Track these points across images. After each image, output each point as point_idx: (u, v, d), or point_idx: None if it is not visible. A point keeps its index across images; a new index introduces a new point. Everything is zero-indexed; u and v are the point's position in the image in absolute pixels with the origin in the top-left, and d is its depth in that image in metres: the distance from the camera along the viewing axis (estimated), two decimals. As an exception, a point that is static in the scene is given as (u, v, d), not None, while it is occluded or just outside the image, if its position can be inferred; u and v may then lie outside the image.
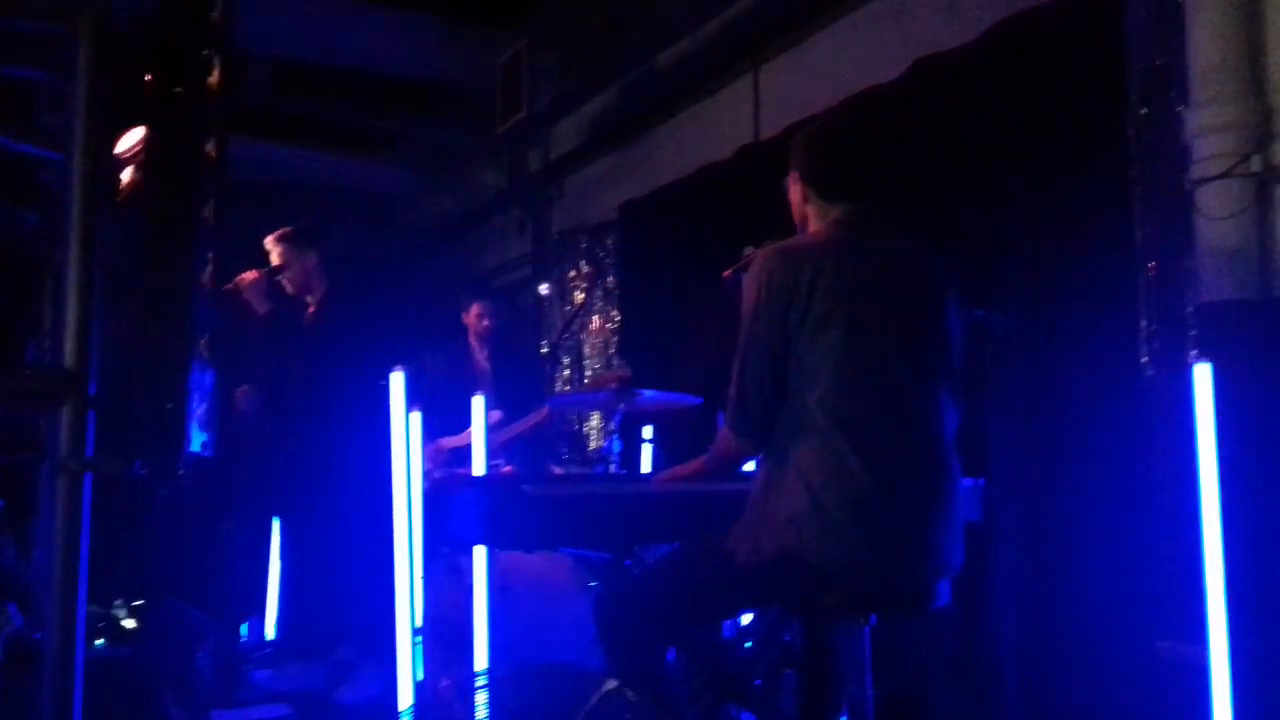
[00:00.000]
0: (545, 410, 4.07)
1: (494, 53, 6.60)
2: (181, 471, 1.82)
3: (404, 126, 7.41)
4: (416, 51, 6.64)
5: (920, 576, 2.11)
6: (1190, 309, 3.18)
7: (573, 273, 6.84)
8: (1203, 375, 2.65)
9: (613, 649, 2.32)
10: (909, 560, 2.09)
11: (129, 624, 4.38)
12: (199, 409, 1.82)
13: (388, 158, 7.87)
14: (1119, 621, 3.25)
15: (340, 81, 6.67)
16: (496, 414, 4.34)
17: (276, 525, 4.65)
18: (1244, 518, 2.67)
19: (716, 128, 5.62)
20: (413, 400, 2.97)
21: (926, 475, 2.12)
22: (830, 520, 2.03)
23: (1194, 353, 3.08)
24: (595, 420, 6.07)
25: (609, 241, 6.51)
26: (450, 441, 4.12)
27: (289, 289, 4.40)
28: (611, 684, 2.06)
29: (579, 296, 6.68)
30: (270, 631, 4.64)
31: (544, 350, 6.68)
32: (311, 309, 4.43)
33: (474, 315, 4.66)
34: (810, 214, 2.31)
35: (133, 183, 1.94)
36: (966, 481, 2.38)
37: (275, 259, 4.37)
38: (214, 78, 1.93)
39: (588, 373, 6.49)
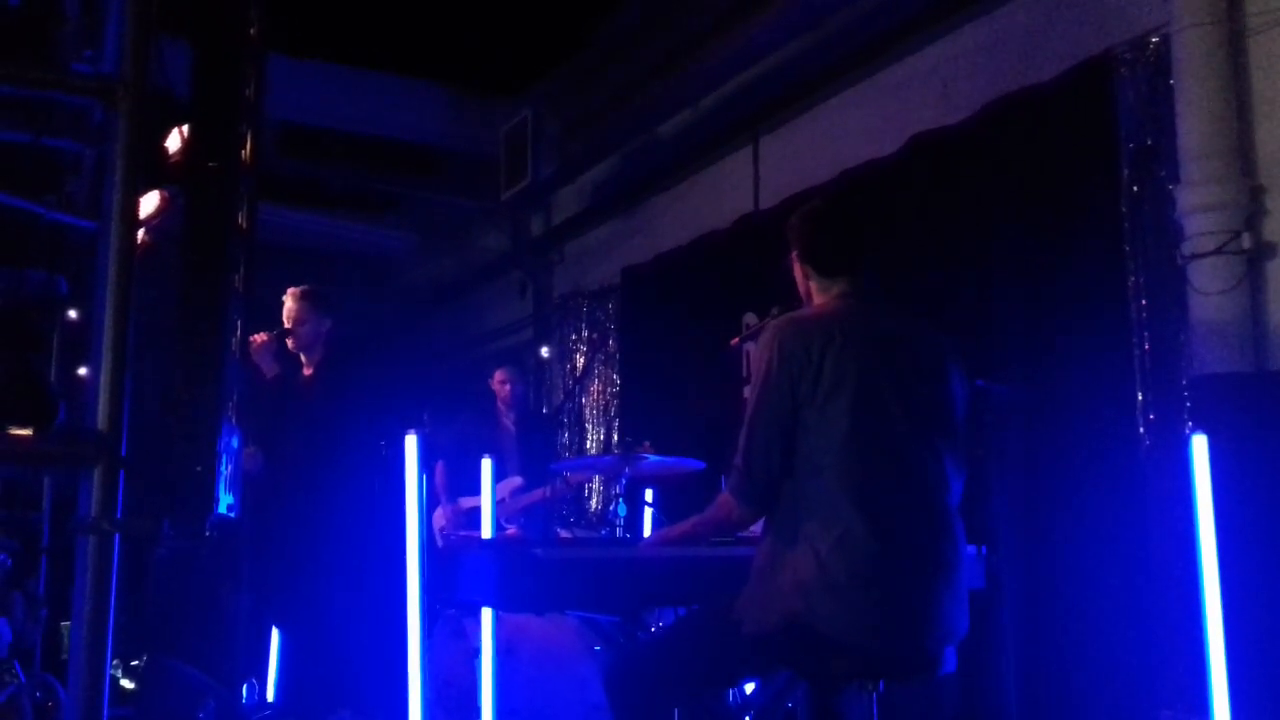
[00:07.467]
0: (562, 481, 4.18)
1: (498, 120, 6.74)
2: (208, 533, 1.86)
3: (408, 190, 7.52)
4: (423, 118, 6.79)
5: (927, 643, 2.14)
6: (1185, 381, 3.24)
7: (574, 336, 6.90)
8: (1200, 446, 2.71)
9: (622, 716, 2.33)
10: (916, 627, 2.11)
11: (127, 684, 4.35)
12: (226, 470, 1.88)
13: (391, 221, 7.98)
14: (1121, 689, 3.27)
15: (346, 146, 6.79)
16: (517, 480, 4.45)
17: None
18: (1242, 586, 2.71)
19: (717, 197, 5.74)
20: (435, 459, 3.00)
21: (933, 542, 2.16)
22: (838, 587, 2.06)
23: (1189, 424, 3.13)
24: (597, 483, 6.08)
25: (610, 306, 6.59)
26: (469, 502, 4.21)
27: (292, 345, 4.40)
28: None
29: (580, 360, 6.74)
30: (270, 694, 4.60)
31: (544, 413, 6.74)
32: (307, 372, 4.46)
33: (497, 381, 4.92)
34: (813, 290, 2.38)
35: (144, 245, 2.01)
36: (969, 549, 2.42)
37: (290, 313, 4.38)
38: (246, 152, 2.02)
39: (589, 439, 6.54)
